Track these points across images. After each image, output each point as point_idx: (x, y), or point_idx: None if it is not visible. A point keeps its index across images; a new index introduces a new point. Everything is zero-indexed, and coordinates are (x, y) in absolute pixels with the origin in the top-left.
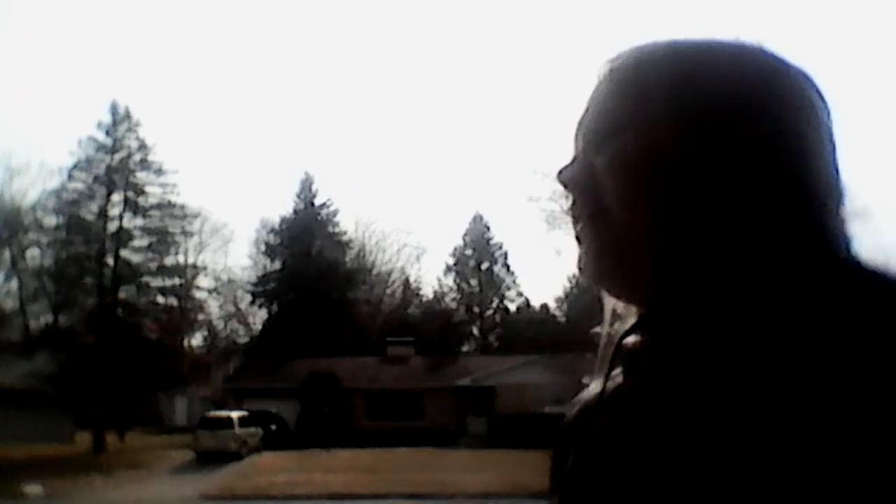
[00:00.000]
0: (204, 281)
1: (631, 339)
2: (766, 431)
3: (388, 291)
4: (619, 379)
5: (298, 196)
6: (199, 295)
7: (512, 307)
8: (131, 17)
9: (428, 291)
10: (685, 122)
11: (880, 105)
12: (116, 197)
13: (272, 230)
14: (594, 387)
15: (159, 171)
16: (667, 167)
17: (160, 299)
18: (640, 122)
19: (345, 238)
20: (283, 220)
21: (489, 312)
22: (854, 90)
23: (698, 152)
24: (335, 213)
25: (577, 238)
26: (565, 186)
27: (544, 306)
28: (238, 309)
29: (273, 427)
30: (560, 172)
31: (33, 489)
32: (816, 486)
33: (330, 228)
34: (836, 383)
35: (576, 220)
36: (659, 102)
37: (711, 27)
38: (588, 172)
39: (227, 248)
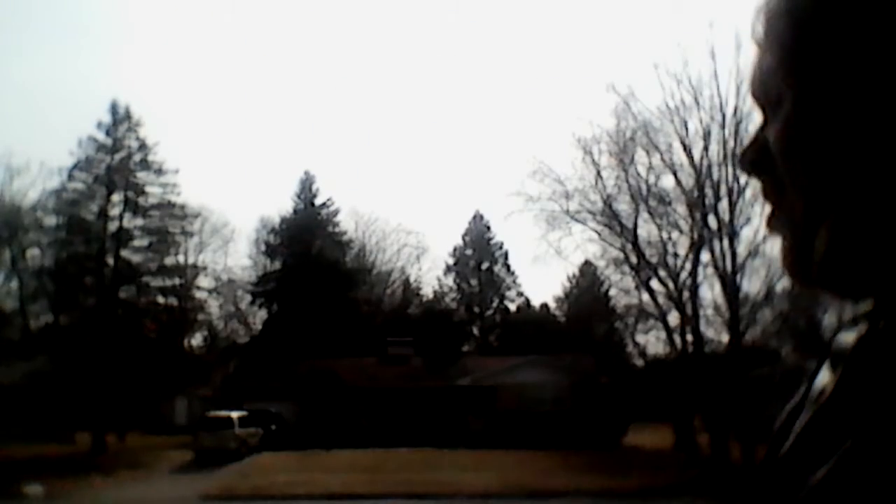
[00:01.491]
0: (204, 281)
1: (844, 337)
2: None
3: (388, 291)
4: (826, 379)
5: (298, 196)
6: (199, 295)
7: (512, 307)
8: (131, 17)
9: (428, 291)
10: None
11: None
12: (116, 197)
13: (272, 230)
14: (800, 389)
15: (159, 171)
16: (836, 122)
17: (160, 299)
18: (798, 77)
19: (345, 238)
20: (283, 220)
21: (489, 312)
22: None
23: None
24: (335, 213)
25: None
26: (746, 173)
27: (544, 306)
28: (238, 309)
29: (273, 427)
30: (741, 157)
31: (33, 489)
32: None
33: (330, 228)
34: None
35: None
36: (820, 43)
37: (711, 26)
38: (760, 150)
39: (227, 248)
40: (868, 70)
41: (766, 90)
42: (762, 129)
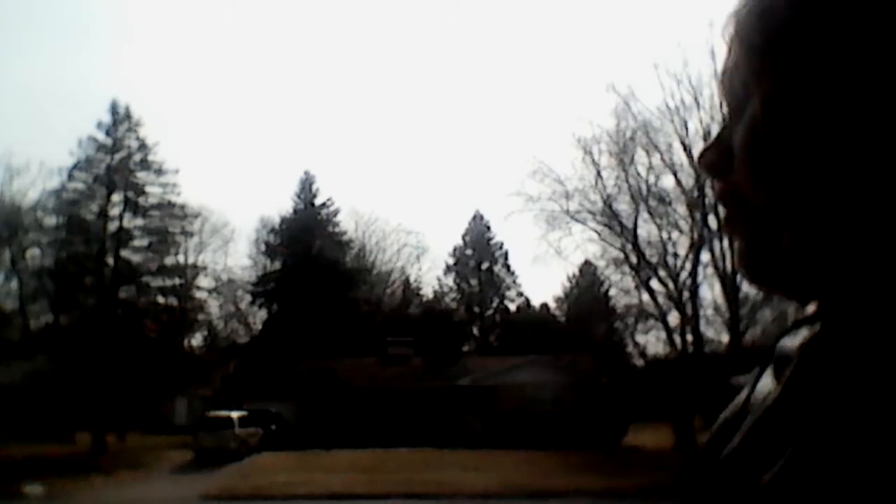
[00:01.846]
0: (204, 281)
1: (788, 342)
2: None
3: (388, 291)
4: (770, 383)
5: (298, 196)
6: (199, 295)
7: (512, 307)
8: (131, 17)
9: (428, 291)
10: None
11: None
12: (116, 197)
13: (272, 230)
14: (742, 393)
15: (159, 171)
16: (801, 119)
17: (160, 299)
18: (766, 78)
19: (345, 238)
20: (283, 220)
21: (489, 312)
22: None
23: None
24: (335, 213)
25: (729, 234)
26: (706, 175)
27: (544, 306)
28: (238, 309)
29: (273, 427)
30: (700, 158)
31: (33, 489)
32: None
33: (330, 228)
34: None
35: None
36: (787, 46)
37: (711, 26)
38: (722, 151)
39: (227, 248)
40: (836, 73)
41: (733, 91)
42: (724, 130)
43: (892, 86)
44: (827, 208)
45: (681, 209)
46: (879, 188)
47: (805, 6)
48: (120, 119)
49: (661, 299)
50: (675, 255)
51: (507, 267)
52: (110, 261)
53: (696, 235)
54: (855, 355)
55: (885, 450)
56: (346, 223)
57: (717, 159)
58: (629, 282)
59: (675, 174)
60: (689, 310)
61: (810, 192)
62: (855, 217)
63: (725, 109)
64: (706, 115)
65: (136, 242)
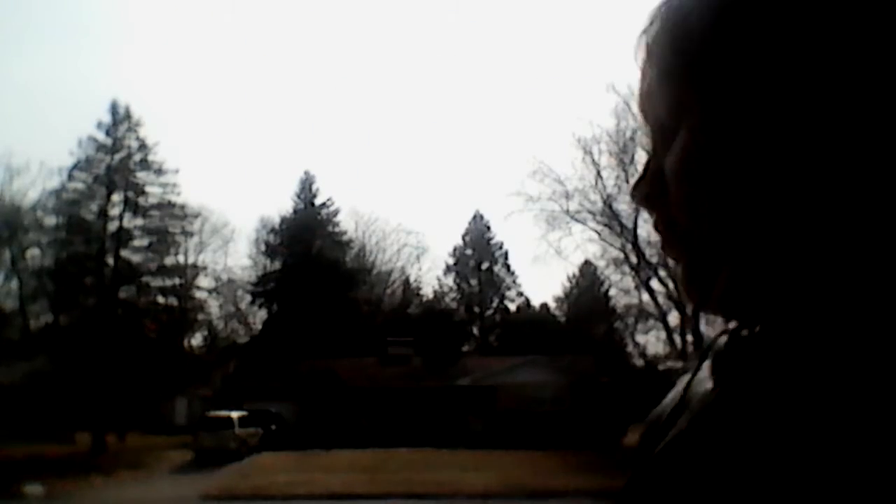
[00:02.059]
0: (204, 281)
1: (724, 339)
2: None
3: (388, 291)
4: (708, 383)
5: (298, 196)
6: (199, 295)
7: (512, 307)
8: (131, 17)
9: (428, 291)
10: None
11: None
12: (116, 197)
13: (272, 230)
14: (678, 387)
15: (159, 171)
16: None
17: (160, 299)
18: (692, 106)
19: (345, 238)
20: (283, 220)
21: (489, 312)
22: None
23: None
24: (335, 213)
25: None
26: (640, 207)
27: (544, 306)
28: (238, 309)
29: (273, 427)
30: (633, 190)
31: (33, 489)
32: None
33: (330, 228)
34: None
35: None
36: (714, 69)
37: None
38: (654, 181)
39: (227, 248)
40: (765, 95)
41: (656, 118)
42: (651, 160)
43: (814, 104)
44: (763, 235)
45: None
46: (814, 210)
47: (721, 24)
48: (120, 119)
49: (661, 299)
50: None
51: (507, 267)
52: (110, 261)
53: None
54: (789, 358)
55: (811, 449)
56: (346, 223)
57: (650, 191)
58: (629, 282)
59: None
60: (689, 310)
61: (746, 220)
62: (791, 240)
63: (649, 136)
64: None
65: (136, 242)
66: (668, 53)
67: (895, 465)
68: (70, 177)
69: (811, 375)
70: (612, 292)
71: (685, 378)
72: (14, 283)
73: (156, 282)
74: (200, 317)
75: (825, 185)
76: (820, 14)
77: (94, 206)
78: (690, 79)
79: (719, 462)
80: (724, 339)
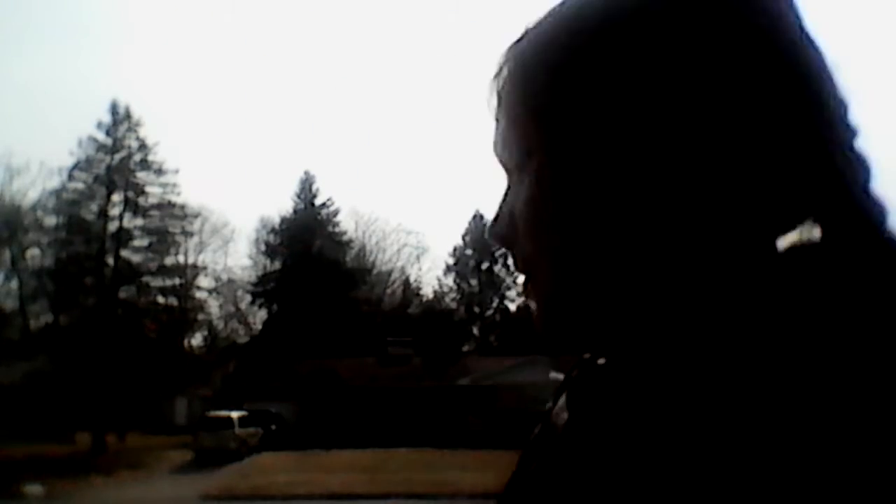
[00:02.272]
0: (204, 281)
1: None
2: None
3: (388, 291)
4: (565, 413)
5: (298, 196)
6: (199, 295)
7: (512, 307)
8: (131, 17)
9: (428, 291)
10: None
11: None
12: (116, 197)
13: (272, 230)
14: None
15: (159, 171)
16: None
17: (160, 299)
18: (535, 152)
19: (345, 238)
20: (283, 220)
21: (489, 312)
22: None
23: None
24: (335, 213)
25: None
26: (498, 246)
27: None
28: (238, 309)
29: (273, 427)
30: (490, 230)
31: (33, 489)
32: None
33: (330, 228)
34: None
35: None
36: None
37: None
38: (509, 222)
39: (227, 248)
40: (600, 137)
41: (509, 161)
42: (505, 201)
43: (643, 143)
44: (603, 268)
45: None
46: (646, 243)
47: (560, 70)
48: (120, 119)
49: None
50: None
51: (507, 267)
52: (110, 261)
53: None
54: (632, 383)
55: (653, 471)
56: (346, 223)
57: (505, 232)
58: None
59: None
60: None
61: (585, 254)
62: (627, 273)
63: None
64: None
65: (136, 242)
66: (515, 100)
67: (734, 477)
68: (70, 177)
69: (652, 398)
70: None
71: (548, 407)
72: (14, 283)
73: (156, 282)
74: (200, 317)
75: (655, 220)
76: (643, 64)
77: (94, 206)
78: (536, 123)
79: (570, 490)
80: (579, 369)
